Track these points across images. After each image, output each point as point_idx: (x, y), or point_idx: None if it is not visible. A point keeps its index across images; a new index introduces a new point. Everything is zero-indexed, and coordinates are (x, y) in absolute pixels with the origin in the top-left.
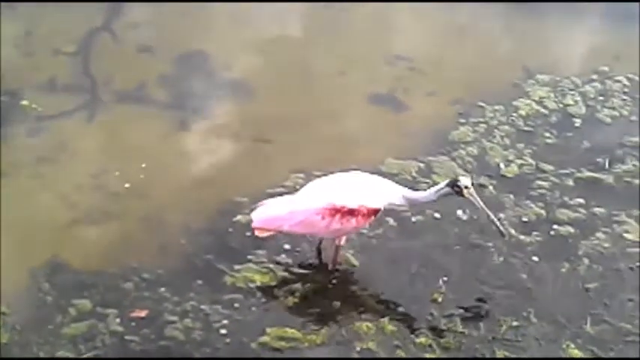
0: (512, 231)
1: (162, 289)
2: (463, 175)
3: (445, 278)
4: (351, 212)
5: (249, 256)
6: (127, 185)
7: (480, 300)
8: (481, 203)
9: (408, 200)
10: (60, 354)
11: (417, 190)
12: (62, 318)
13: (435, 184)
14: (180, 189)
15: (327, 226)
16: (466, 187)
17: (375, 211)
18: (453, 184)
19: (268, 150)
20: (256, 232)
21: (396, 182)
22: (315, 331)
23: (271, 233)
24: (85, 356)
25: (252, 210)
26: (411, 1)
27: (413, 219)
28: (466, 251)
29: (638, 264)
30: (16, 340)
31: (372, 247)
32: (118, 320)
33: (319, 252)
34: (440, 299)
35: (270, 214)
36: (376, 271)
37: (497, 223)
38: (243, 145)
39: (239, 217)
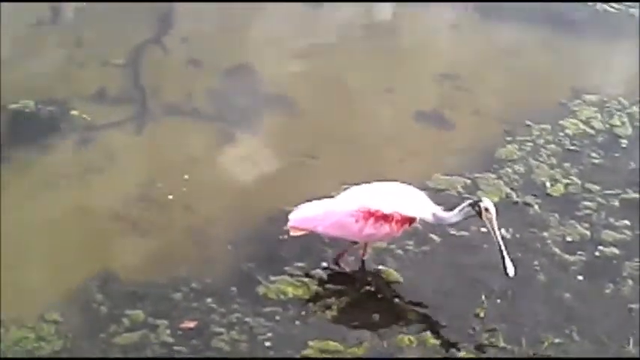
0: (557, 250)
1: (209, 299)
2: (487, 198)
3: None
4: (385, 217)
5: (290, 268)
6: (170, 197)
7: (522, 316)
8: (497, 231)
9: (437, 219)
10: None
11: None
12: (116, 327)
13: (481, 200)
14: (225, 200)
15: (360, 230)
16: (486, 210)
17: (410, 220)
18: (475, 204)
19: (314, 164)
20: (291, 232)
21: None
22: (357, 344)
23: (305, 233)
24: None
25: (290, 212)
26: None
27: (457, 235)
28: None
29: None
30: (68, 347)
31: (416, 262)
32: (168, 331)
33: (361, 263)
34: (482, 314)
35: (307, 214)
36: (418, 286)
37: (507, 259)
38: (289, 159)
39: (281, 227)
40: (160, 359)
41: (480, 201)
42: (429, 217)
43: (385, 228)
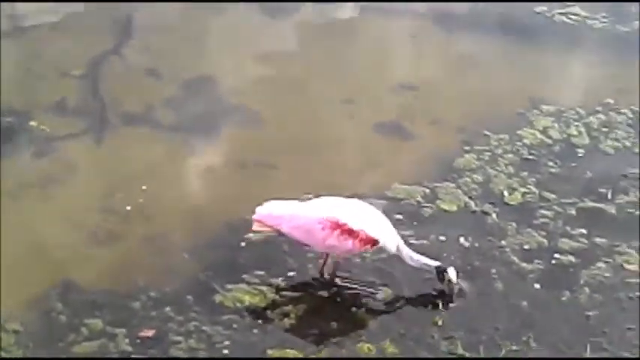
0: (515, 258)
1: (168, 308)
2: (452, 269)
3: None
4: (351, 233)
5: (247, 276)
6: (128, 207)
7: (480, 324)
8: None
9: (398, 251)
10: None
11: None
12: (75, 336)
13: (440, 210)
14: (183, 210)
15: (323, 239)
16: (449, 281)
17: (373, 242)
18: (441, 271)
19: (273, 174)
20: (254, 226)
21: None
22: (316, 352)
23: (267, 230)
24: None
25: (258, 205)
26: None
27: (417, 243)
28: (468, 277)
29: (638, 294)
30: (28, 357)
31: (374, 269)
32: (126, 340)
33: (320, 271)
34: (440, 322)
35: (274, 211)
36: (376, 294)
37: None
38: (248, 169)
39: (240, 237)
40: None
41: (446, 271)
42: (391, 248)
43: (348, 243)
